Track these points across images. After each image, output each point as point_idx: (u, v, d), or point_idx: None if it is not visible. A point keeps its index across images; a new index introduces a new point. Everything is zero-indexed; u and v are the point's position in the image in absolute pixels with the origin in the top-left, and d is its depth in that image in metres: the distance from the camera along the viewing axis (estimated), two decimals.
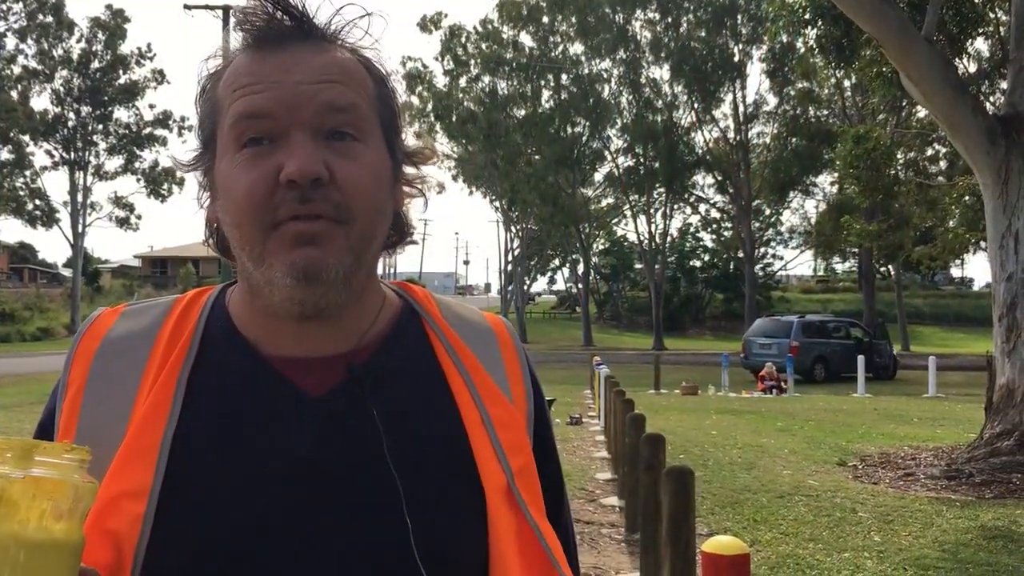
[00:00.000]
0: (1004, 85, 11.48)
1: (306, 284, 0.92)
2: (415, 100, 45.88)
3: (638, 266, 59.59)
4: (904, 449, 10.43)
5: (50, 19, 43.48)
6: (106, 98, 45.33)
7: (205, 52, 1.02)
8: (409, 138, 1.06)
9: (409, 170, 1.06)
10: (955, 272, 70.88)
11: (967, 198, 18.11)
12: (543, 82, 46.76)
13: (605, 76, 46.81)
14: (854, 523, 6.94)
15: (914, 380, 25.15)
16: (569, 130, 46.99)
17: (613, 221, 54.97)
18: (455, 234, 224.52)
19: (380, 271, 1.08)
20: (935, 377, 20.14)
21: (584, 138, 47.72)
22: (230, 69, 0.97)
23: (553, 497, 1.04)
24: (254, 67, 0.95)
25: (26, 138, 43.43)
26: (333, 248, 0.92)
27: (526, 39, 46.58)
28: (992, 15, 13.46)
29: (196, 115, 1.02)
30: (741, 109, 44.92)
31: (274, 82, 0.93)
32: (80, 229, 46.19)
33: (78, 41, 44.68)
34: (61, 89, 44.86)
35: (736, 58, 43.80)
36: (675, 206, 49.42)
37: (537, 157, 46.38)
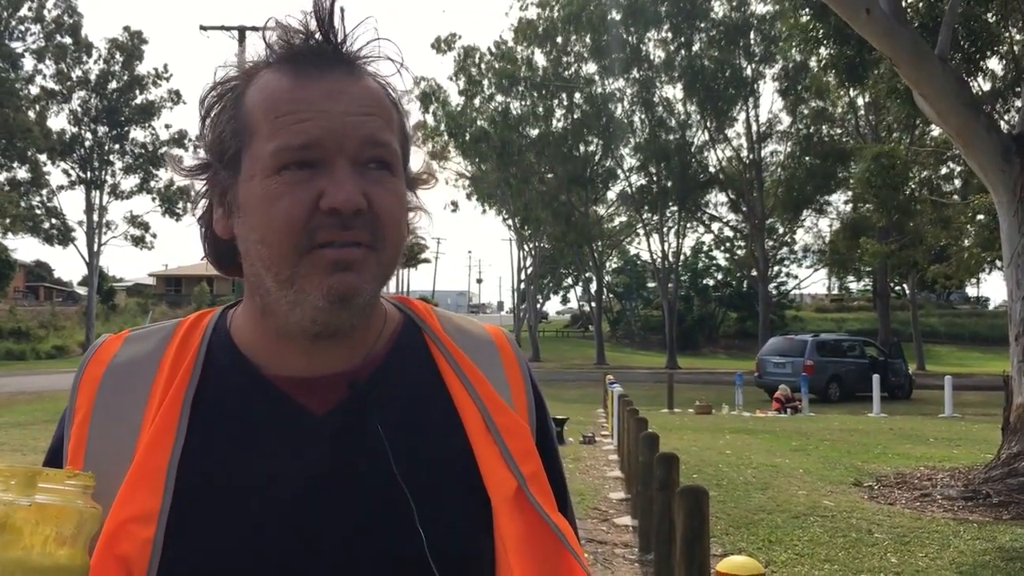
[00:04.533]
0: (1018, 103, 11.45)
1: (339, 307, 0.93)
2: (429, 119, 46.11)
3: (651, 284, 59.56)
4: (920, 469, 10.34)
5: (68, 40, 43.94)
6: (123, 118, 45.74)
7: (220, 65, 1.02)
8: (413, 160, 1.07)
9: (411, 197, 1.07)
10: (971, 291, 70.43)
11: (982, 216, 18.03)
12: (556, 101, 46.91)
13: (618, 95, 46.94)
14: (870, 544, 6.88)
15: (930, 400, 24.97)
16: (582, 149, 47.03)
17: (626, 240, 54.95)
18: (468, 252, 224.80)
19: (393, 289, 1.09)
20: (951, 397, 20.00)
21: (597, 157, 47.75)
22: (264, 88, 0.97)
23: (558, 502, 1.04)
24: (298, 92, 0.95)
25: (43, 157, 43.81)
26: (368, 275, 0.94)
27: (540, 59, 46.82)
28: (1006, 34, 13.44)
29: (209, 128, 1.02)
30: (754, 128, 44.94)
31: (321, 111, 0.94)
32: (96, 248, 46.53)
33: (96, 62, 45.17)
34: (78, 109, 45.30)
35: (748, 75, 43.82)
36: (688, 225, 49.33)
37: (550, 175, 46.45)
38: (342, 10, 0.97)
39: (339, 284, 0.92)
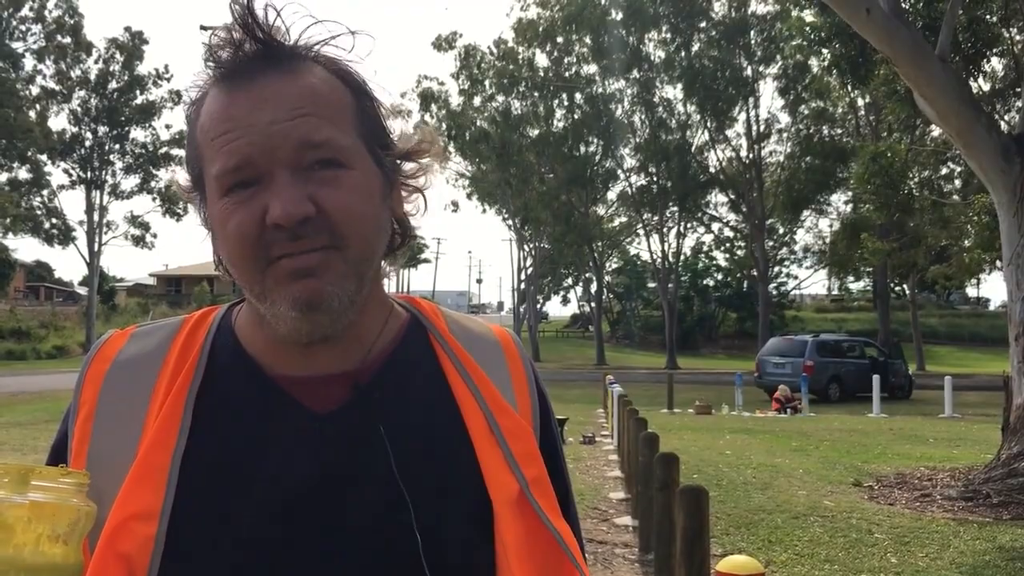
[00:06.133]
0: (1019, 103, 11.46)
1: (310, 314, 0.92)
2: (429, 119, 46.05)
3: (651, 285, 59.46)
4: (920, 470, 10.34)
5: (68, 40, 43.91)
6: (123, 118, 45.71)
7: (188, 86, 1.01)
8: (402, 139, 1.04)
9: (409, 166, 1.05)
10: (971, 291, 70.38)
11: (982, 217, 18.02)
12: (557, 101, 46.91)
13: (618, 95, 46.95)
14: (870, 544, 6.88)
15: (930, 400, 24.95)
16: (582, 149, 47.04)
17: (626, 240, 54.95)
18: (468, 252, 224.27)
19: (394, 289, 1.07)
20: (951, 397, 19.98)
21: (597, 157, 47.76)
22: (205, 110, 0.96)
23: (560, 503, 1.03)
24: (226, 110, 0.93)
25: (44, 158, 43.79)
26: (332, 275, 0.92)
27: (541, 59, 46.83)
28: (1006, 34, 13.43)
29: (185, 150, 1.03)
30: (754, 128, 44.93)
31: (247, 126, 0.91)
32: (96, 248, 46.50)
33: (96, 62, 45.15)
34: (79, 109, 45.26)
35: (748, 75, 43.79)
36: (688, 225, 49.36)
37: (550, 176, 46.47)
38: (266, 8, 0.94)
39: (302, 291, 0.91)
